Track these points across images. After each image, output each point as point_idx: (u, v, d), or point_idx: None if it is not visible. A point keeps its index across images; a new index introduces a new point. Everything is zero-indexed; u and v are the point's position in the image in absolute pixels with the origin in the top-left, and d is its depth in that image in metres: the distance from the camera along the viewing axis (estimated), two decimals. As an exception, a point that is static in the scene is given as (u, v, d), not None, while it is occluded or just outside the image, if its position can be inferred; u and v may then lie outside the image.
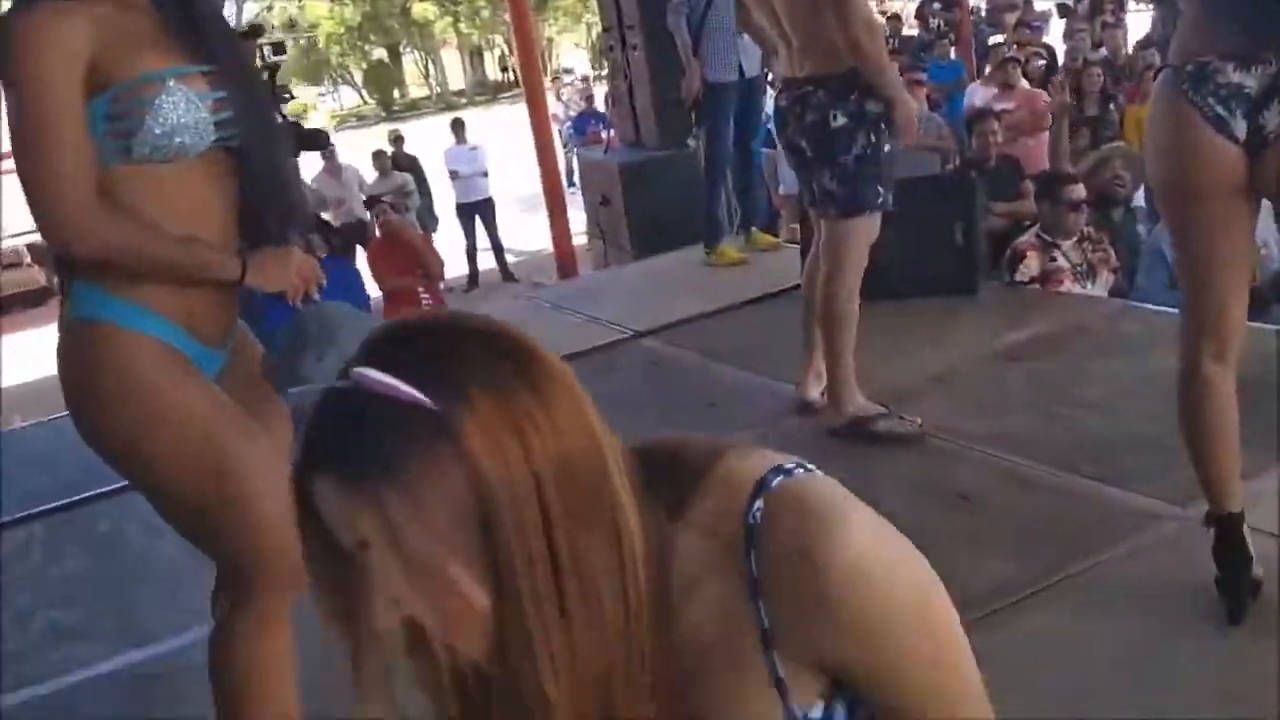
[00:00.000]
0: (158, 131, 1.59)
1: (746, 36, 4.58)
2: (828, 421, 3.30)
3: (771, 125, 4.12)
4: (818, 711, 0.83)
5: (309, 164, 10.71)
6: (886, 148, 3.05)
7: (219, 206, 1.70)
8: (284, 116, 3.49)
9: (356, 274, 6.41)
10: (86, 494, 3.60)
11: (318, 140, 3.76)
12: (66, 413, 1.68)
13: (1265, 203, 2.05)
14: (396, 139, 11.56)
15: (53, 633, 2.83)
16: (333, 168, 10.31)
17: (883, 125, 2.99)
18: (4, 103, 1.60)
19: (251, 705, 1.74)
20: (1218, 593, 2.14)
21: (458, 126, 11.31)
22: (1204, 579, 2.17)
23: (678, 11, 5.14)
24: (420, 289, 7.35)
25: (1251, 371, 2.76)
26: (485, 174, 11.06)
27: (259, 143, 1.70)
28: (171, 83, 1.60)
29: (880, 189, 3.05)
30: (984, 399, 3.47)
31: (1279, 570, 2.16)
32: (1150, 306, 4.13)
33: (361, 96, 40.31)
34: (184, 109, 1.60)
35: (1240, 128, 1.86)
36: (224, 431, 1.64)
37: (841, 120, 2.96)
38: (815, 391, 3.46)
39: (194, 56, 1.66)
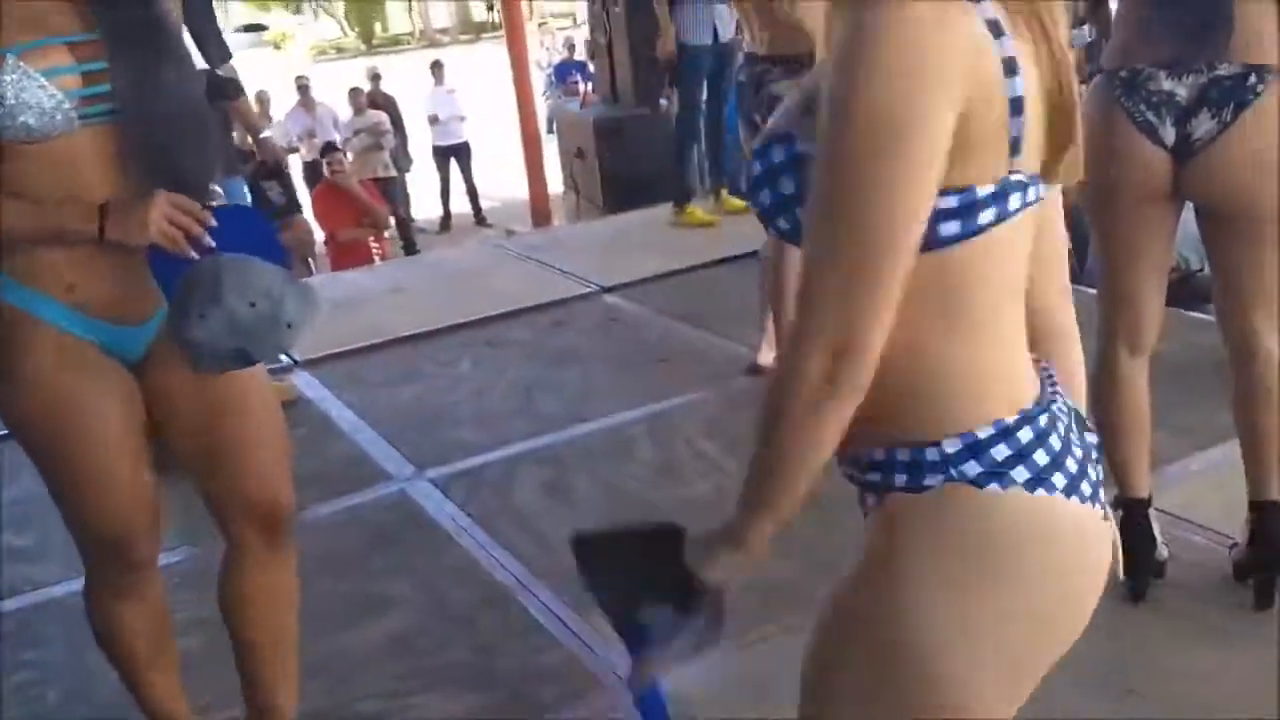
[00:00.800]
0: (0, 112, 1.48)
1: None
2: None
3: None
4: None
5: (287, 98, 10.65)
6: None
7: (108, 180, 1.57)
8: (214, 71, 3.41)
9: (262, 221, 6.28)
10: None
11: (227, 90, 3.74)
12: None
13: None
14: (374, 76, 11.45)
15: (7, 555, 2.89)
16: (306, 102, 10.22)
17: None
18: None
19: (129, 669, 1.89)
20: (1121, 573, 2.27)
21: (437, 68, 11.26)
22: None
23: None
24: (370, 239, 7.36)
25: (1178, 359, 2.90)
26: (462, 118, 11.02)
27: (144, 113, 1.57)
28: (10, 60, 1.48)
29: None
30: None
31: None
32: (1092, 290, 4.25)
33: (343, 28, 39.69)
34: (23, 88, 1.48)
35: (1169, 134, 1.95)
36: (80, 423, 1.64)
37: None
38: (769, 357, 3.56)
39: (82, 25, 1.55)
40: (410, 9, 41.01)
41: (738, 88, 3.41)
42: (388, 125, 10.09)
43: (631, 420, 3.40)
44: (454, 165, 10.99)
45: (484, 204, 11.19)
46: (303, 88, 10.28)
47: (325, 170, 7.76)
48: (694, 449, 3.16)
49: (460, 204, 11.12)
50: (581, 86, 8.69)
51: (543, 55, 16.50)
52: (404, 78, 13.44)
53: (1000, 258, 0.94)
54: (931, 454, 0.94)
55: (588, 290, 4.74)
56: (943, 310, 0.92)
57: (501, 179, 11.29)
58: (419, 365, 4.04)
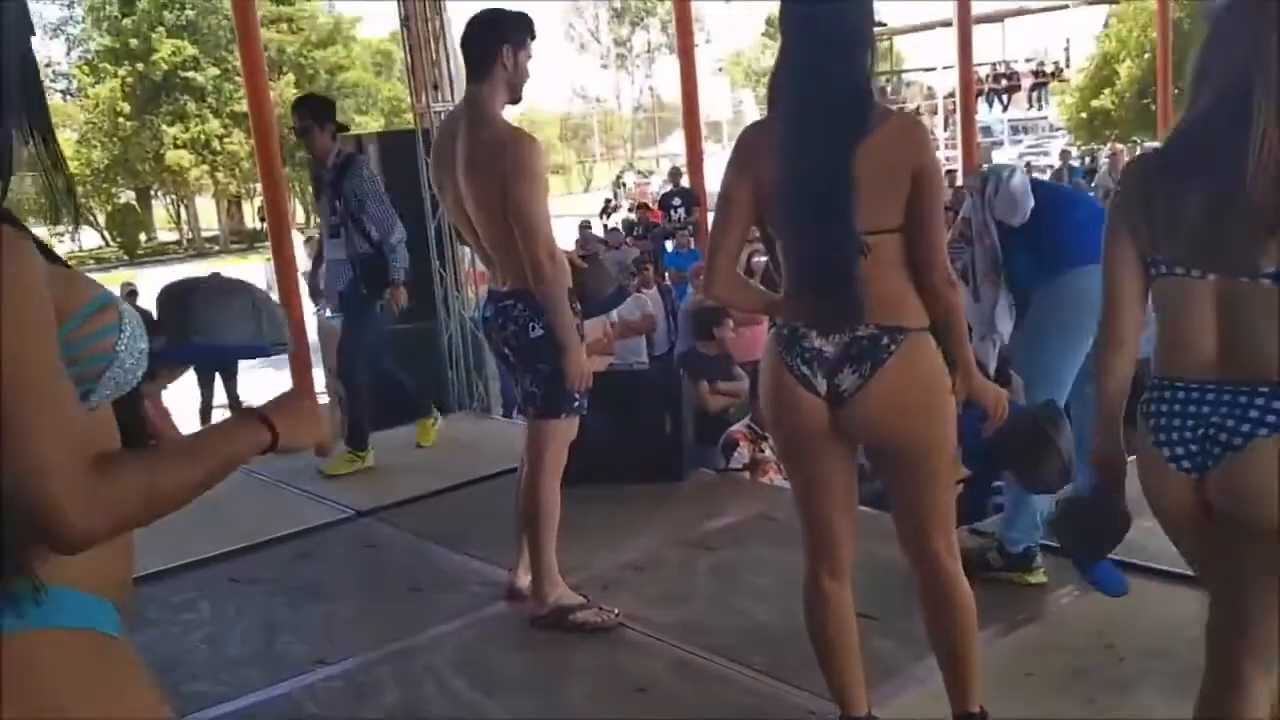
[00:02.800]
0: None
1: None
2: (531, 610, 3.40)
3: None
4: None
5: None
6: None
7: None
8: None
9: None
10: None
11: None
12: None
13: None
14: (130, 293, 11.11)
15: None
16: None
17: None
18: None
19: None
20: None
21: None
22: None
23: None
24: None
25: (906, 565, 3.09)
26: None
27: None
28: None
29: (575, 395, 3.25)
30: (674, 588, 3.67)
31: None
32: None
33: (104, 239, 38.46)
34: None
35: (821, 385, 2.19)
36: None
37: (539, 331, 3.17)
38: (525, 580, 3.54)
39: None
40: (178, 218, 40.33)
41: (482, 322, 3.54)
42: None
43: (377, 659, 3.28)
44: (219, 380, 10.64)
45: (247, 420, 10.83)
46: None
47: None
48: (444, 687, 3.07)
49: (220, 417, 10.73)
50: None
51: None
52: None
53: None
54: None
55: (342, 516, 4.63)
56: None
57: (264, 393, 10.99)
58: (150, 611, 3.78)
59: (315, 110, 5.33)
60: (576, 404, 3.29)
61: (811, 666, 2.98)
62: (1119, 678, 2.82)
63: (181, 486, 1.23)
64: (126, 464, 1.19)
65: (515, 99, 3.24)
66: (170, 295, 1.71)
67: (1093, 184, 15.87)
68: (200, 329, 1.69)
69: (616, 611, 3.34)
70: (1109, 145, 21.91)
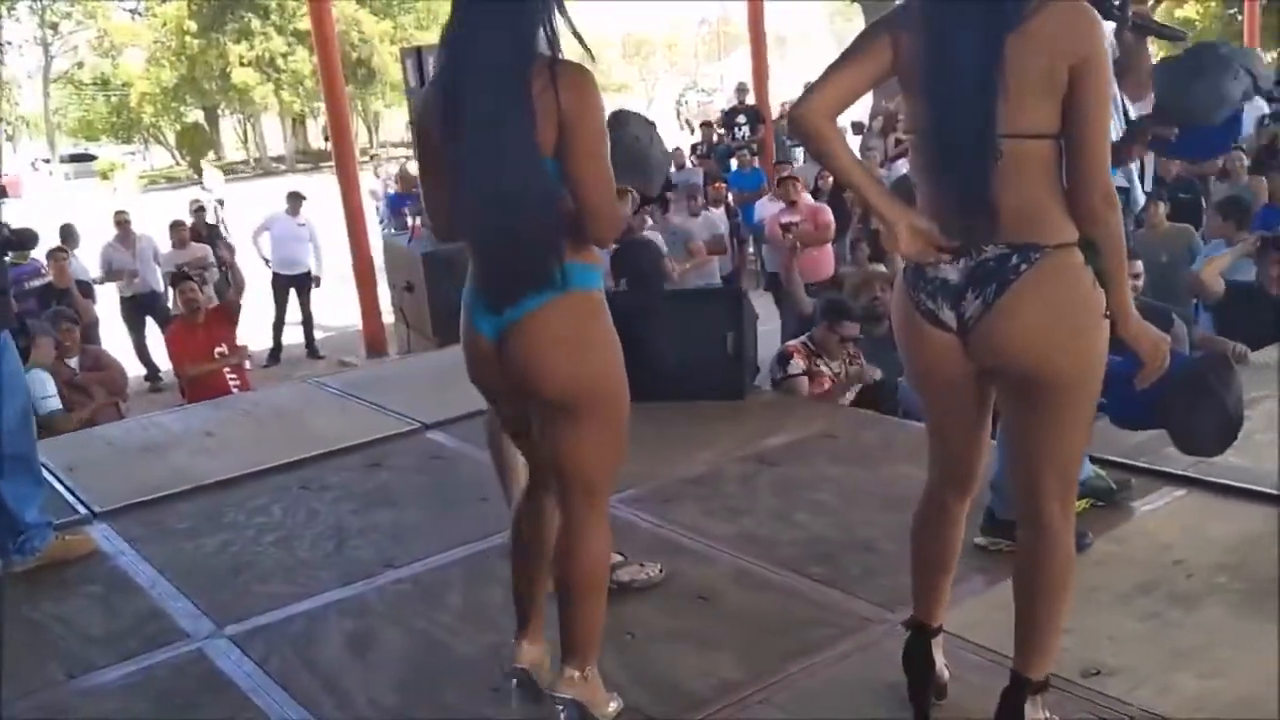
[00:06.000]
0: None
1: None
2: None
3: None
4: None
5: (104, 231, 10.36)
6: None
7: None
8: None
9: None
10: None
11: (23, 241, 3.70)
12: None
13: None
14: (198, 209, 11.26)
15: None
16: (125, 237, 9.92)
17: None
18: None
19: None
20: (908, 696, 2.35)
21: (294, 199, 10.99)
22: (902, 681, 2.37)
23: None
24: (227, 370, 7.01)
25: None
26: (311, 249, 10.77)
27: None
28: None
29: None
30: (735, 502, 3.69)
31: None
32: (890, 419, 4.50)
33: (174, 157, 38.98)
34: None
35: (949, 316, 2.03)
36: None
37: None
38: None
39: None
40: (245, 138, 40.69)
41: None
42: (212, 259, 9.89)
43: (445, 564, 3.36)
44: (292, 296, 10.79)
45: (317, 335, 11.02)
46: (121, 223, 10.00)
47: (178, 302, 7.45)
48: (508, 591, 3.11)
49: (293, 335, 10.91)
50: (411, 220, 8.75)
51: (378, 186, 16.54)
52: (241, 205, 13.29)
53: None
54: None
55: (409, 428, 4.71)
56: None
57: (335, 309, 11.17)
58: (226, 513, 3.90)
59: None
60: None
61: (869, 576, 3.02)
62: (1185, 593, 2.79)
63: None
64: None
65: None
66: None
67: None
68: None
69: (660, 567, 3.13)
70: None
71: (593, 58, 2.47)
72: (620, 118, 2.55)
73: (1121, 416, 3.27)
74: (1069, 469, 2.10)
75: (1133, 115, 2.91)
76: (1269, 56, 21.26)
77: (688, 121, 21.84)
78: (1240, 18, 23.04)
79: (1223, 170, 8.48)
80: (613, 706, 2.41)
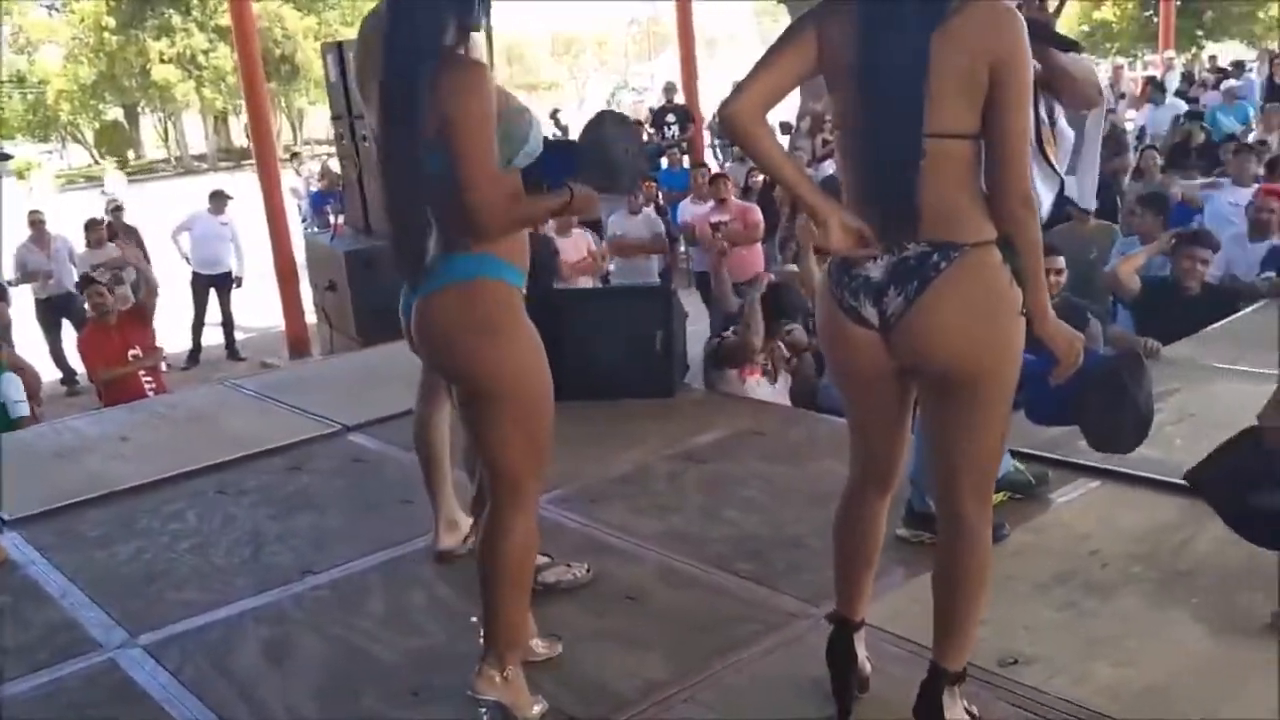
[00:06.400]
0: None
1: None
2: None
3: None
4: None
5: (17, 231, 10.04)
6: None
7: None
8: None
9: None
10: None
11: None
12: None
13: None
14: (115, 209, 10.97)
15: None
16: (39, 237, 9.63)
17: None
18: None
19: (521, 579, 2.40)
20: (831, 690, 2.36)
21: (218, 197, 10.74)
22: (826, 675, 2.38)
23: None
24: (142, 373, 6.82)
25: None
26: (233, 249, 10.54)
27: None
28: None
29: None
30: (663, 499, 3.68)
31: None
32: (816, 415, 4.53)
33: (93, 156, 38.01)
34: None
35: (872, 314, 2.03)
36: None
37: None
38: (449, 541, 3.28)
39: None
40: (165, 136, 39.83)
41: None
42: (128, 258, 9.63)
43: (366, 569, 3.30)
44: (212, 296, 10.56)
45: (238, 336, 10.80)
46: (35, 223, 9.71)
47: (86, 306, 7.21)
48: (431, 596, 3.09)
49: (214, 337, 10.68)
50: (333, 218, 8.61)
51: (300, 184, 16.27)
52: (160, 204, 12.99)
53: None
54: None
55: (330, 430, 4.63)
56: None
57: (259, 310, 10.96)
58: (140, 520, 3.80)
59: None
60: None
61: (796, 572, 3.03)
62: (1101, 582, 2.84)
63: (535, 216, 2.52)
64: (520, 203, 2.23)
65: None
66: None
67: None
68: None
69: (587, 567, 3.10)
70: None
71: (491, 60, 2.46)
72: (598, 118, 2.58)
73: (1036, 413, 3.33)
74: (987, 465, 2.11)
75: (1061, 123, 2.88)
76: (1182, 59, 21.87)
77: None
78: (1156, 20, 23.69)
79: (1137, 169, 8.69)
80: (536, 709, 2.40)
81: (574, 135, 2.85)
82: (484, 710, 2.30)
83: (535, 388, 2.28)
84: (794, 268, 6.44)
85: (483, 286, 2.24)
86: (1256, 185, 6.93)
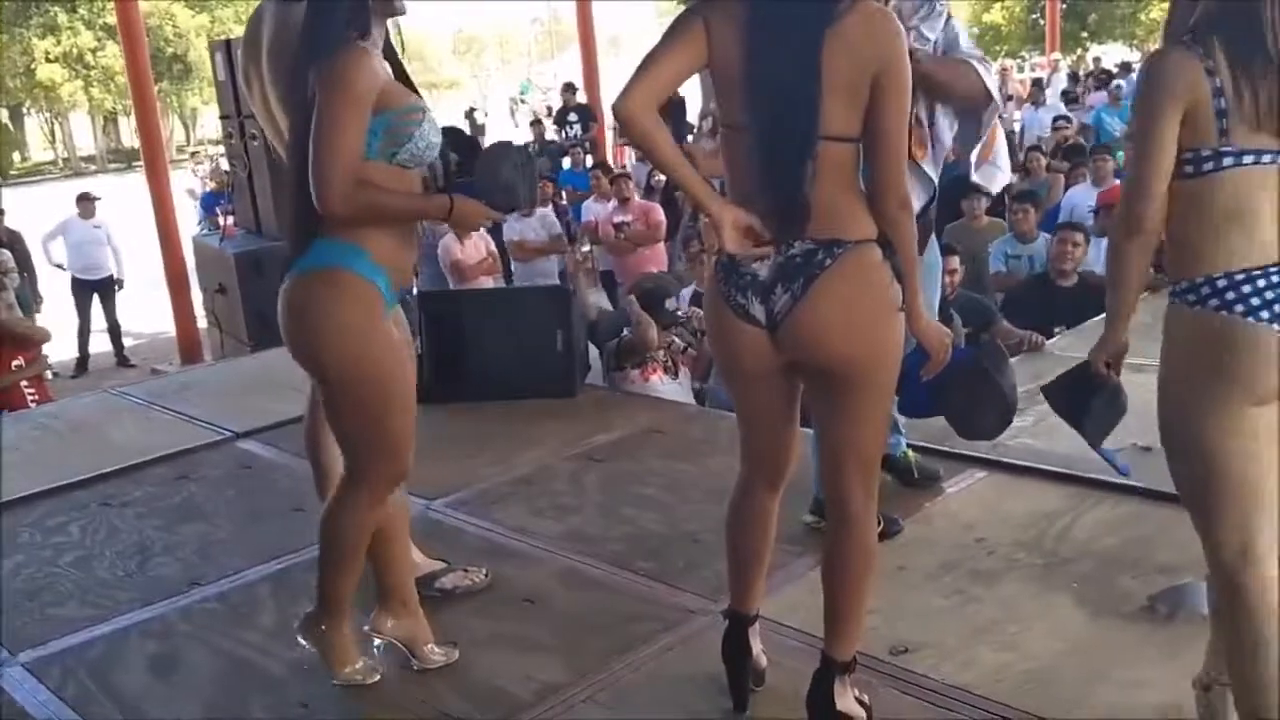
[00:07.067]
0: None
1: None
2: None
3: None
4: None
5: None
6: None
7: None
8: None
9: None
10: None
11: None
12: None
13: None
14: (-12, 216, 10.53)
15: None
16: (-86, 244, 9.20)
17: None
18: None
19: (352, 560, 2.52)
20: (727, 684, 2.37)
21: (83, 200, 10.40)
22: (723, 670, 2.39)
23: None
24: (24, 383, 6.55)
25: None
26: (110, 252, 10.21)
27: None
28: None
29: None
30: (563, 500, 3.67)
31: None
32: (716, 412, 4.57)
33: (-27, 158, 36.46)
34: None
35: (759, 311, 2.05)
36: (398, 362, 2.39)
37: None
38: None
39: None
40: (52, 137, 38.45)
41: None
42: (11, 263, 9.26)
43: (255, 579, 3.22)
44: (96, 302, 10.21)
45: (128, 342, 10.47)
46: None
47: None
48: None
49: (102, 343, 10.33)
50: (223, 219, 8.40)
51: (197, 184, 15.85)
52: (47, 209, 12.54)
53: None
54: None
55: (219, 437, 4.51)
56: None
57: (149, 315, 10.64)
58: (20, 534, 3.65)
59: None
60: None
61: (694, 568, 3.05)
62: (986, 570, 2.91)
63: (391, 208, 2.30)
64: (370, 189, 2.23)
65: None
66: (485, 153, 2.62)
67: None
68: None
69: (485, 572, 3.07)
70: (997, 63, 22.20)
71: (403, 51, 2.54)
72: (498, 152, 2.66)
73: (909, 406, 3.41)
74: (870, 457, 2.16)
75: (947, 132, 2.91)
76: (1067, 61, 22.60)
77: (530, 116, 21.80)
78: (1042, 22, 24.44)
79: (1023, 168, 8.94)
80: (348, 670, 2.56)
81: (488, 136, 2.91)
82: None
83: (385, 386, 2.33)
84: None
85: (340, 276, 2.27)
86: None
